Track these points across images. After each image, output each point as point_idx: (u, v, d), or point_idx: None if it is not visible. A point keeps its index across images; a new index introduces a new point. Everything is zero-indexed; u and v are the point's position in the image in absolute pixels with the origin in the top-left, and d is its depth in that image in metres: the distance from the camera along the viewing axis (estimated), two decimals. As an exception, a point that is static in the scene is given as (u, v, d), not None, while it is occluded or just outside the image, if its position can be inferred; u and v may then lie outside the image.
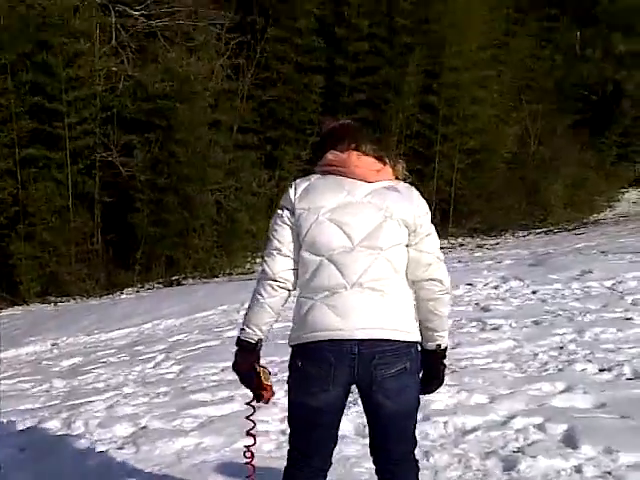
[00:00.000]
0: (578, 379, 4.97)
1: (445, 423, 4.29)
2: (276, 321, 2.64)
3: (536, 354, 5.67)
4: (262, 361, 2.67)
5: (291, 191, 2.62)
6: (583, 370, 5.20)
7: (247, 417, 2.77)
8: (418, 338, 2.59)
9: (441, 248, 2.70)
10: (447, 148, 17.80)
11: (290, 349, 2.61)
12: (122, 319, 9.82)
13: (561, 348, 5.81)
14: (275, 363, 4.82)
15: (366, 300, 2.50)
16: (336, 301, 2.50)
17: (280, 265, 2.57)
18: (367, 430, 4.23)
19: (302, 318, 2.55)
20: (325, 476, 2.71)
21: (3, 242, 13.91)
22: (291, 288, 2.62)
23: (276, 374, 2.70)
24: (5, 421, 5.05)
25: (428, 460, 3.84)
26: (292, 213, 2.59)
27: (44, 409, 5.34)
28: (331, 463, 2.71)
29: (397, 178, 2.69)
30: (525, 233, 17.88)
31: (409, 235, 2.59)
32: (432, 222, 2.67)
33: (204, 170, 14.74)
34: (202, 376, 5.82)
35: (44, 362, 7.68)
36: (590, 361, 5.36)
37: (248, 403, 2.74)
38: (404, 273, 2.60)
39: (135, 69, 15.20)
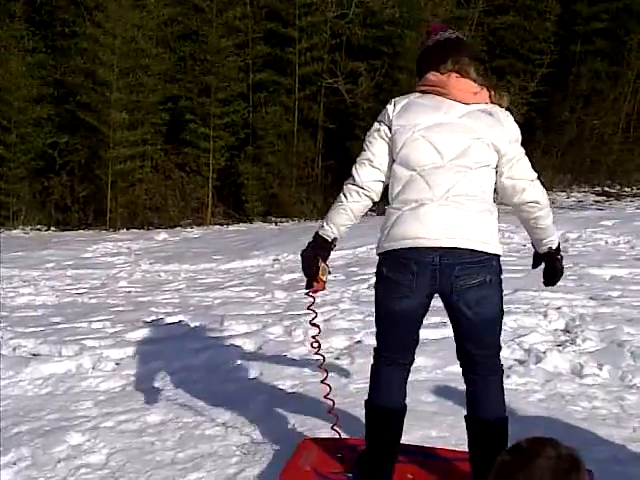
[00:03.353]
0: None
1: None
2: (352, 225, 2.84)
3: None
4: None
5: (390, 107, 2.74)
6: None
7: (308, 307, 2.95)
8: (499, 252, 2.67)
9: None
10: (693, 86, 16.14)
11: (378, 258, 2.76)
12: (338, 242, 10.15)
13: None
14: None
15: (450, 212, 2.61)
16: (422, 212, 2.62)
17: (369, 175, 2.75)
18: (584, 370, 4.17)
19: (389, 228, 2.69)
20: (408, 370, 2.88)
21: (233, 162, 14.80)
22: (375, 198, 2.80)
23: (330, 273, 2.94)
24: (233, 323, 5.48)
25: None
26: (389, 128, 2.72)
27: (267, 316, 5.72)
28: (414, 359, 2.89)
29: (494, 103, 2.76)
30: None
31: (500, 159, 2.68)
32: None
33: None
34: (415, 301, 5.90)
35: (267, 275, 8.18)
36: None
37: (307, 293, 2.91)
38: (490, 194, 2.70)
39: (366, -5, 15.21)
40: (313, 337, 3.04)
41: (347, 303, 5.98)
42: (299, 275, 8.50)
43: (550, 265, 2.93)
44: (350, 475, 2.94)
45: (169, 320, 5.81)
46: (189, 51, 14.49)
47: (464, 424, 3.46)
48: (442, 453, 3.15)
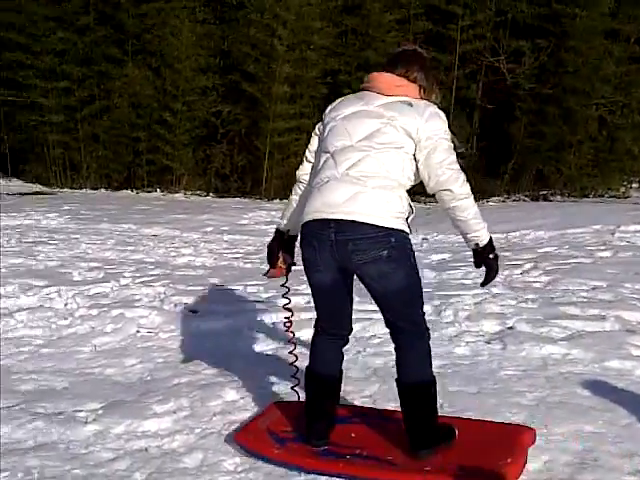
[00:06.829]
0: None
1: None
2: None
3: None
4: None
5: (329, 106, 3.07)
6: None
7: (284, 295, 3.40)
8: (399, 226, 2.77)
9: None
10: None
11: None
12: (490, 225, 9.93)
13: None
14: None
15: (347, 188, 2.77)
16: (324, 188, 2.83)
17: (304, 169, 3.08)
18: None
19: (303, 206, 2.94)
20: (345, 340, 3.10)
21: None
22: None
23: (295, 264, 3.22)
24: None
25: None
26: (323, 124, 3.01)
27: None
28: (350, 329, 3.08)
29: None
30: None
31: (416, 147, 2.80)
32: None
33: (592, 83, 13.92)
34: (571, 290, 5.70)
35: (416, 253, 8.12)
36: None
37: (282, 285, 3.35)
38: (397, 174, 2.79)
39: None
40: (286, 318, 3.42)
41: (499, 287, 5.85)
42: (449, 255, 8.44)
43: (483, 263, 2.93)
44: (298, 434, 3.13)
45: (320, 290, 5.91)
46: (351, 25, 14.56)
47: (622, 421, 3.34)
48: (386, 414, 3.32)
